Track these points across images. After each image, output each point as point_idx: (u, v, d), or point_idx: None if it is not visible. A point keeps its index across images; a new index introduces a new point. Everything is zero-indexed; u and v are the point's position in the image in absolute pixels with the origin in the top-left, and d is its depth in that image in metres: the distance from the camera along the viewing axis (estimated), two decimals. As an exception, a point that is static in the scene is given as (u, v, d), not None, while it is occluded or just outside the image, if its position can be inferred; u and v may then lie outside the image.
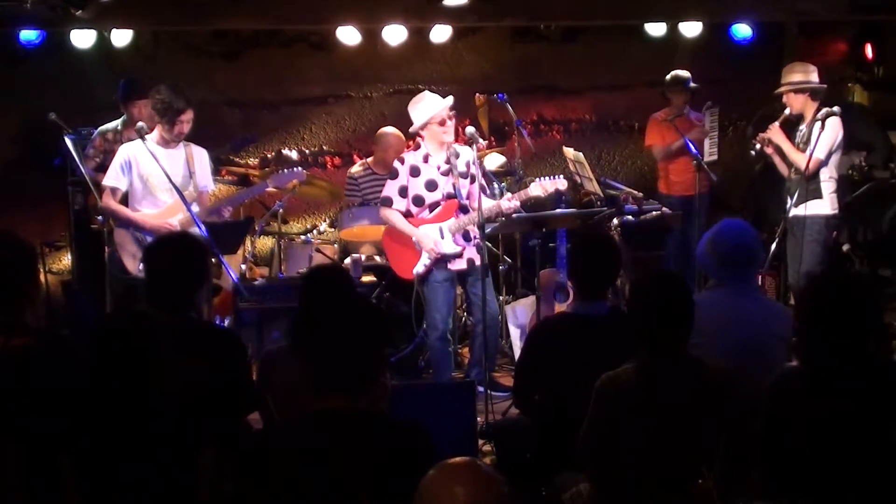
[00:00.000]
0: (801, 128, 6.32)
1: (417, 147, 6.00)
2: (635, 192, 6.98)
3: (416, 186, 5.88)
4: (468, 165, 5.88)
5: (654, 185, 7.72)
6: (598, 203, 6.70)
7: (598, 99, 8.83)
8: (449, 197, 5.87)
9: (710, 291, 4.13)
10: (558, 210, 6.02)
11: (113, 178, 5.61)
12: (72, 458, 2.97)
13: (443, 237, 5.84)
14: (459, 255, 5.84)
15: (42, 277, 6.71)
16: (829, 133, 6.11)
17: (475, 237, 5.84)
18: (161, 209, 5.61)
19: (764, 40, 8.05)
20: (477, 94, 7.59)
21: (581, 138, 8.67)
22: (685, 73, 7.39)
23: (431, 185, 5.85)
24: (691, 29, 7.63)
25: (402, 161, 5.93)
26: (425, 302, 5.98)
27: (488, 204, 5.86)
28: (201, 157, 5.77)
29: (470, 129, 5.75)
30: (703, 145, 7.23)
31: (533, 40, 8.62)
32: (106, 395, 3.03)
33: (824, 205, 6.20)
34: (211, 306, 5.65)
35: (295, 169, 6.19)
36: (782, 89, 6.35)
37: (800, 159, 6.12)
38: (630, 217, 6.73)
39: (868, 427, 3.03)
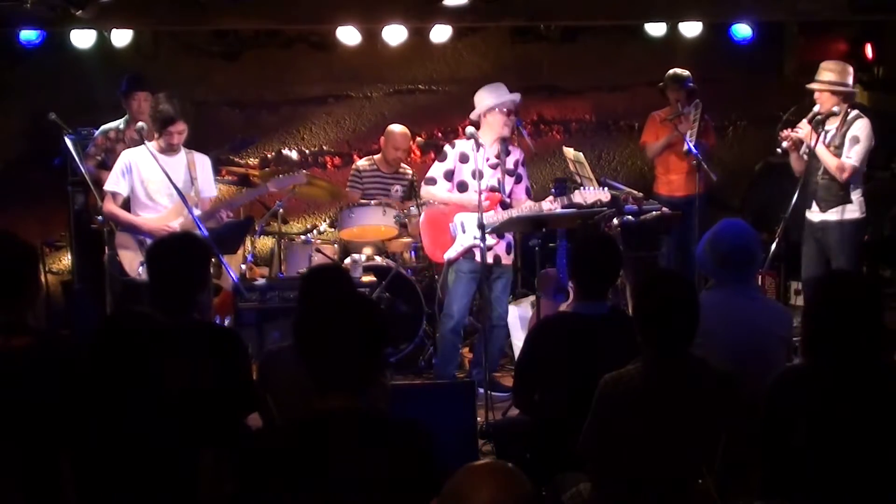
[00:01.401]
0: (828, 127, 6.16)
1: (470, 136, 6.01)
2: (635, 192, 6.98)
3: (463, 172, 5.96)
4: (516, 165, 6.02)
5: (653, 186, 7.71)
6: (599, 203, 6.69)
7: (598, 99, 8.83)
8: (492, 190, 5.89)
9: (710, 292, 4.13)
10: (558, 210, 6.02)
11: (114, 183, 5.65)
12: (72, 458, 2.97)
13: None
14: (489, 248, 5.86)
15: (42, 277, 6.73)
16: (863, 138, 6.02)
17: (507, 235, 5.96)
18: (161, 214, 5.64)
19: (764, 40, 8.05)
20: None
21: (581, 138, 8.67)
22: (685, 72, 7.38)
23: (478, 174, 5.89)
24: (691, 29, 7.63)
25: (452, 145, 6.04)
26: (447, 290, 6.01)
27: (528, 205, 5.93)
28: (203, 163, 5.81)
29: (470, 129, 5.78)
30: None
31: (533, 40, 8.62)
32: (106, 395, 3.03)
33: (854, 209, 6.12)
34: (211, 306, 5.65)
35: (296, 173, 6.22)
36: (816, 87, 6.15)
37: (833, 164, 6.01)
38: (630, 217, 6.73)
39: (868, 427, 3.03)
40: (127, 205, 5.69)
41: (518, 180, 6.08)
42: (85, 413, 3.02)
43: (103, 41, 7.25)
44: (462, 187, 5.98)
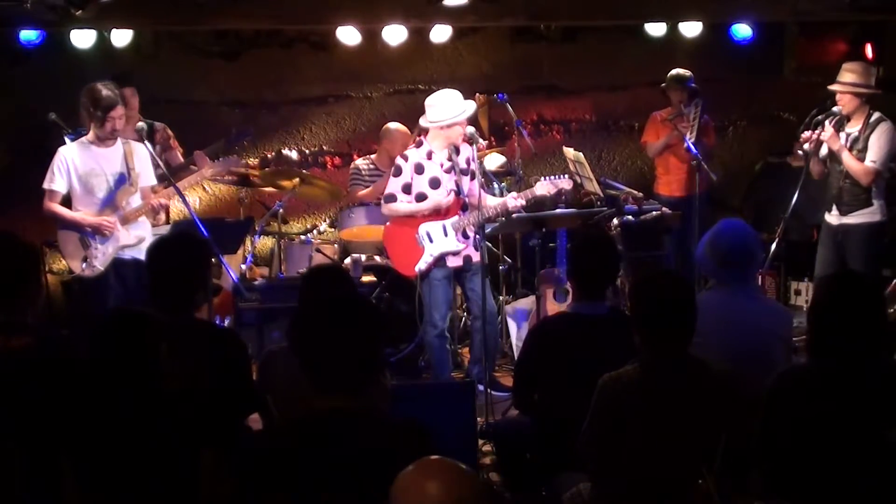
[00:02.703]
0: (849, 129, 6.12)
1: (419, 144, 6.00)
2: (635, 192, 6.98)
3: (420, 184, 5.89)
4: (468, 162, 5.90)
5: (653, 186, 7.72)
6: (598, 203, 6.71)
7: (598, 99, 8.82)
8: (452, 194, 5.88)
9: (710, 292, 4.13)
10: (558, 210, 6.02)
11: (49, 180, 5.62)
12: (72, 458, 2.97)
13: (446, 235, 5.85)
14: (458, 253, 5.86)
15: (42, 277, 6.72)
16: (887, 143, 5.99)
17: (473, 234, 5.86)
18: (100, 207, 5.63)
19: (764, 40, 8.05)
20: (477, 94, 7.59)
21: (581, 138, 8.67)
22: (686, 73, 7.38)
23: (435, 183, 5.87)
24: (691, 29, 7.63)
25: (405, 158, 5.93)
26: (425, 300, 5.99)
27: (494, 202, 5.90)
28: (141, 153, 5.74)
29: (470, 129, 5.78)
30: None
31: (533, 40, 8.61)
32: (106, 395, 3.03)
33: (874, 212, 6.09)
34: (211, 306, 5.65)
35: (232, 157, 6.20)
36: (838, 88, 6.09)
37: (857, 168, 5.98)
38: (630, 217, 6.73)
39: (867, 427, 3.03)
40: (67, 202, 5.68)
41: (472, 177, 5.91)
42: (85, 413, 3.02)
43: (103, 41, 7.25)
44: (420, 199, 5.89)
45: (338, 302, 2.81)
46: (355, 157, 8.14)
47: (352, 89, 8.55)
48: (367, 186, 7.14)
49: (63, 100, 7.17)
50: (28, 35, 7.14)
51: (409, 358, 6.63)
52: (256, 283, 6.38)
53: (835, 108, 6.11)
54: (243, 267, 6.72)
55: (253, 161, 8.35)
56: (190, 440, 3.02)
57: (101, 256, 5.59)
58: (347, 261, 6.72)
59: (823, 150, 6.18)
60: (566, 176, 6.00)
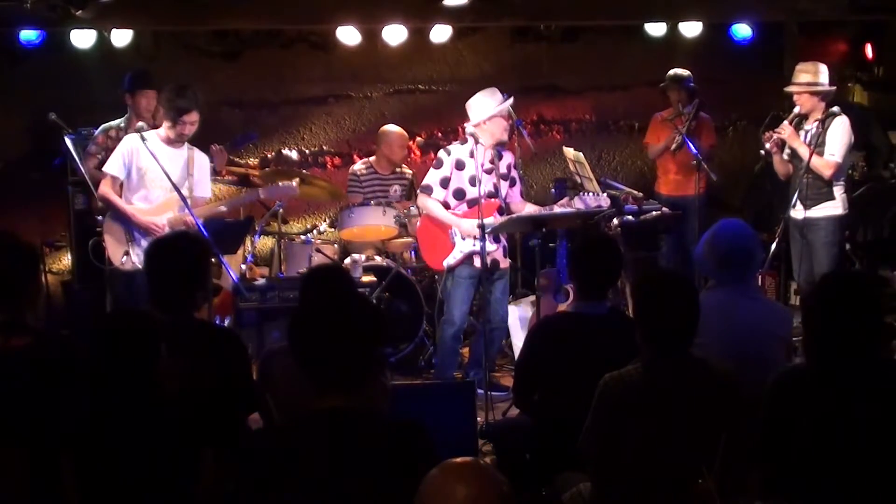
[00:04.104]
0: (807, 127, 6.22)
1: (465, 141, 6.01)
2: (635, 192, 6.98)
3: (459, 179, 5.92)
4: (509, 168, 5.98)
5: (653, 186, 7.72)
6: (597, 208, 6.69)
7: (598, 99, 8.83)
8: (489, 196, 5.89)
9: (710, 292, 4.13)
10: (558, 210, 6.02)
11: (114, 165, 5.64)
12: (72, 458, 2.97)
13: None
14: (488, 254, 5.87)
15: (42, 277, 6.72)
16: (842, 135, 6.07)
17: (503, 238, 5.96)
18: (152, 205, 5.64)
19: (764, 40, 8.06)
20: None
21: (581, 138, 8.67)
22: (684, 72, 7.39)
23: (474, 181, 5.88)
24: (691, 29, 7.64)
25: (448, 152, 5.97)
26: (447, 295, 5.99)
27: (534, 209, 5.93)
28: (202, 163, 5.79)
29: (470, 129, 5.79)
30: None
31: (533, 40, 8.62)
32: (106, 395, 3.03)
33: (836, 205, 6.16)
34: (211, 306, 5.65)
35: (290, 183, 6.20)
36: (794, 89, 6.21)
37: (817, 163, 6.05)
38: (630, 217, 6.73)
39: (867, 427, 3.03)
40: (120, 188, 5.68)
41: (512, 183, 6.07)
42: (85, 413, 3.02)
43: (103, 41, 7.25)
44: (458, 195, 5.94)
45: (334, 301, 2.81)
46: (355, 157, 8.15)
47: (352, 89, 8.55)
48: (364, 194, 7.13)
49: (63, 100, 7.20)
50: (28, 35, 7.15)
51: (409, 358, 6.64)
52: (256, 283, 6.38)
53: (796, 109, 6.20)
54: (243, 267, 6.72)
55: (253, 161, 8.36)
56: (190, 440, 3.02)
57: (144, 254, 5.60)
58: (347, 261, 6.72)
59: (787, 151, 6.26)
60: (604, 195, 6.05)
